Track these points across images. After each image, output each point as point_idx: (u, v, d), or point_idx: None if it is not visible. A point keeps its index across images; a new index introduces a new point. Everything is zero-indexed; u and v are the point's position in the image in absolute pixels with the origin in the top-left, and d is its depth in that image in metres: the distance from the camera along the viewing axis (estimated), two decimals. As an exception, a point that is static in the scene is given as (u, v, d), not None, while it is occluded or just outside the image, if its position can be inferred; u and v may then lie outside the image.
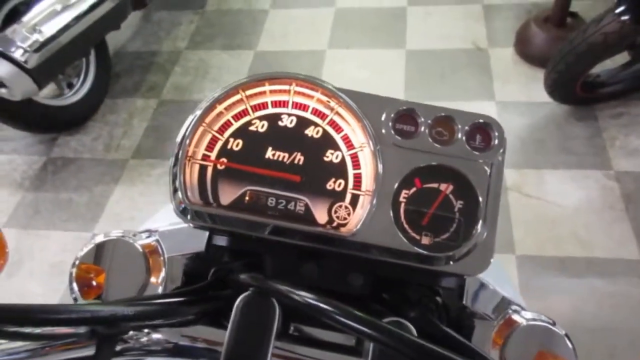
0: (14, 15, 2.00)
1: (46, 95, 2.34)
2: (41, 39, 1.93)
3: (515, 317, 0.48)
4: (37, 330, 0.36)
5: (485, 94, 2.34)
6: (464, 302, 0.52)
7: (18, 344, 0.36)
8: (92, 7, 2.12)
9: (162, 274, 0.50)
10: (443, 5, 2.82)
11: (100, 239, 0.50)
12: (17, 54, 1.88)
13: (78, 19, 2.06)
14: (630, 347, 1.58)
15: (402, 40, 2.67)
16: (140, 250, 0.50)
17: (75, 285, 0.48)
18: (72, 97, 2.39)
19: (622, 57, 2.11)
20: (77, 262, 0.49)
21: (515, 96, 2.32)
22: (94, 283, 0.48)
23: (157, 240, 0.52)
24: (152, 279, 0.49)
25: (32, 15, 1.95)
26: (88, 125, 2.48)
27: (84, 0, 2.08)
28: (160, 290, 0.50)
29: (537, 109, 2.25)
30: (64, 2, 2.02)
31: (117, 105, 2.57)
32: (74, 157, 2.37)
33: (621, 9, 1.75)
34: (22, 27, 1.91)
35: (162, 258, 0.51)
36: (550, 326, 0.46)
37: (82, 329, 0.37)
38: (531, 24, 2.43)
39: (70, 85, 2.41)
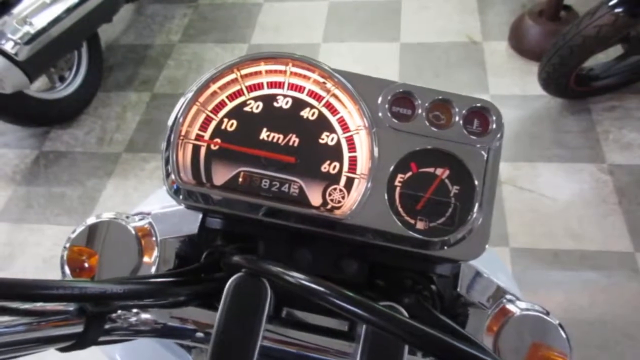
0: (4, 8, 1.97)
1: (38, 88, 2.33)
2: (32, 31, 1.91)
3: (510, 306, 0.48)
4: (26, 306, 0.35)
5: (479, 87, 2.34)
6: (458, 290, 0.51)
7: (5, 318, 0.35)
8: (84, 0, 2.10)
9: (155, 256, 0.49)
10: (437, -2, 2.82)
11: (92, 220, 0.49)
12: (8, 47, 1.86)
13: (69, 11, 2.04)
14: (623, 340, 1.59)
15: (396, 33, 2.66)
16: (133, 232, 0.49)
17: (67, 268, 0.48)
18: (64, 90, 2.37)
19: (616, 51, 2.11)
20: (68, 245, 0.48)
21: (509, 90, 2.32)
22: (87, 265, 0.48)
23: (150, 223, 0.51)
24: (145, 262, 0.49)
25: (22, 8, 1.93)
26: (81, 118, 2.46)
27: (75, -8, 2.07)
28: (152, 272, 0.49)
29: (532, 102, 2.26)
30: (55, -6, 2.00)
31: (110, 98, 2.55)
32: (66, 150, 2.34)
33: (614, 1, 1.75)
34: (12, 19, 1.89)
35: (155, 240, 0.50)
36: (544, 316, 0.46)
37: (71, 306, 0.37)
38: (525, 18, 2.43)
39: (62, 79, 2.39)
